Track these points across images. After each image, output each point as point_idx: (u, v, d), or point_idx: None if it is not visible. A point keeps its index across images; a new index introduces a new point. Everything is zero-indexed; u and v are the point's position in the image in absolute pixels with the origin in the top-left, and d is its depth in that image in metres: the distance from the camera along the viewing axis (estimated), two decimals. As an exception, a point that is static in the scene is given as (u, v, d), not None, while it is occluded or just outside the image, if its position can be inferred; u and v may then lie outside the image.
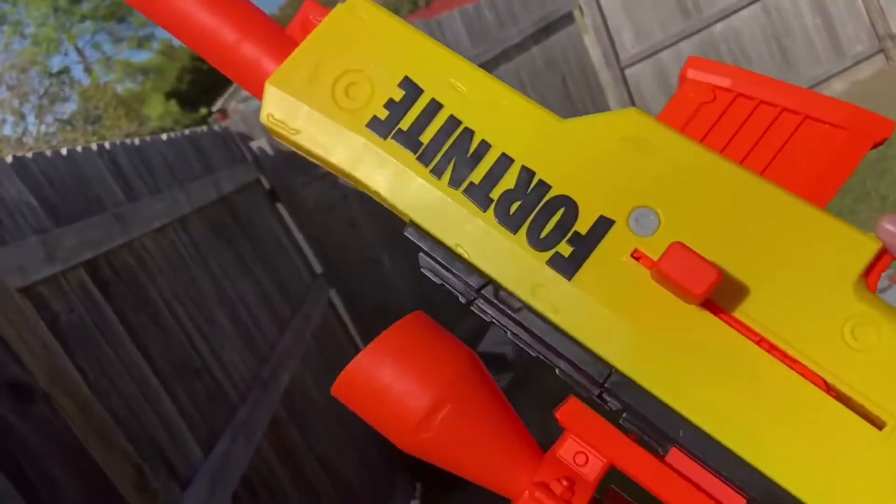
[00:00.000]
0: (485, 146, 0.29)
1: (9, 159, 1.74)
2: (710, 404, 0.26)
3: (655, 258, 0.27)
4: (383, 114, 0.30)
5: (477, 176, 0.29)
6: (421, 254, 0.30)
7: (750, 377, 0.26)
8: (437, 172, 0.29)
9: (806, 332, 0.26)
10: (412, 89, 0.30)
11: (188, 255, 2.41)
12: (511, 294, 0.28)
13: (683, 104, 0.31)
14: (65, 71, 20.10)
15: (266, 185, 3.67)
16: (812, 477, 0.24)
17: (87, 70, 21.99)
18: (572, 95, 5.55)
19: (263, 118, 0.32)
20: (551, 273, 0.28)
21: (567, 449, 0.27)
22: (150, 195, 2.36)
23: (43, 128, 19.65)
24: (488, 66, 4.99)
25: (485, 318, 0.30)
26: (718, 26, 5.69)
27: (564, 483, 0.26)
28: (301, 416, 2.65)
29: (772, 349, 0.26)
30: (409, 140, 0.30)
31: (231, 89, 28.70)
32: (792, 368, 0.26)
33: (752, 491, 0.25)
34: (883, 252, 0.27)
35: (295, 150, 0.33)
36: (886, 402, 0.24)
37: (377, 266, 4.16)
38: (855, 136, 0.29)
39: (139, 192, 2.30)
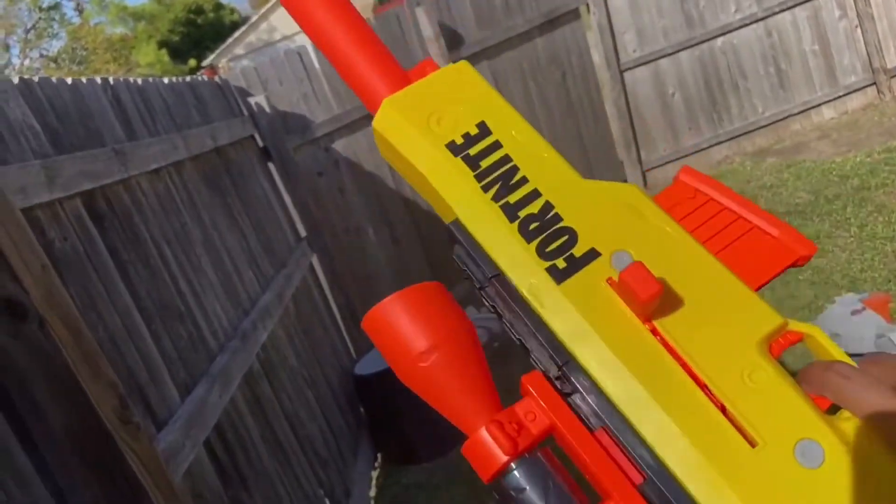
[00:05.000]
0: (524, 180, 0.41)
1: (15, 80, 1.72)
2: (634, 393, 0.35)
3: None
4: (459, 141, 0.42)
5: (513, 198, 0.40)
6: (456, 245, 0.40)
7: (668, 384, 0.35)
8: (486, 188, 0.40)
9: (717, 366, 0.35)
10: (484, 130, 0.42)
11: (181, 200, 2.40)
12: (512, 287, 0.38)
13: (672, 194, 0.46)
14: (55, 7, 19.62)
15: (260, 142, 3.65)
16: (696, 472, 0.33)
17: (79, 9, 21.46)
18: (570, 92, 5.58)
19: (375, 123, 0.44)
20: (546, 277, 0.38)
21: (523, 406, 0.35)
22: (149, 136, 2.34)
23: (27, 62, 19.18)
24: (491, 52, 4.99)
25: (486, 302, 0.40)
26: (719, 41, 5.75)
27: (514, 426, 0.34)
28: (275, 373, 2.66)
29: (690, 372, 0.35)
30: (473, 162, 0.41)
31: (222, 47, 28.15)
32: (701, 389, 0.35)
33: (649, 471, 0.33)
34: (784, 327, 0.37)
35: (388, 155, 0.45)
36: (762, 428, 0.33)
37: (361, 236, 4.17)
38: (784, 248, 0.42)
39: (139, 132, 2.28)
